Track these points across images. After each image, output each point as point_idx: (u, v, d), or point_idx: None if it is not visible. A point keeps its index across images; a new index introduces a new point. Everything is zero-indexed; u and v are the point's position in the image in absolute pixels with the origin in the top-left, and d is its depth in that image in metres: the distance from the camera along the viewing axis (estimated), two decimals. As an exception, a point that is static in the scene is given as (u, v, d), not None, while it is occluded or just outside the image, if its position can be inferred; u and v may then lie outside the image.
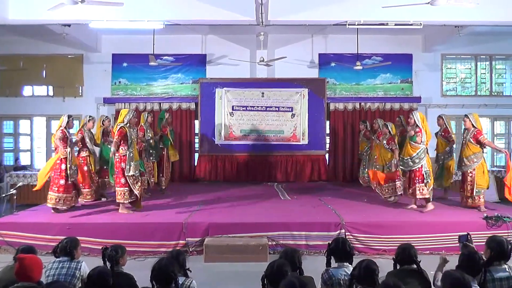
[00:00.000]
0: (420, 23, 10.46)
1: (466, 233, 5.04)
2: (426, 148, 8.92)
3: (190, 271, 4.36)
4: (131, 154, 8.44)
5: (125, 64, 14.46)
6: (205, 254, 7.11)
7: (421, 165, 8.72)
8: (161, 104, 14.32)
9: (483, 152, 8.96)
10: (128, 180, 8.35)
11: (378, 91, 14.50)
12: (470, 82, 14.95)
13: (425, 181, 8.69)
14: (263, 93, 14.08)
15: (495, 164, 14.76)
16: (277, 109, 13.98)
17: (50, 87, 14.77)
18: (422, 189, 8.70)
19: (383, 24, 10.67)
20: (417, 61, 14.57)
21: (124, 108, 14.03)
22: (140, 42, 13.68)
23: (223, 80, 14.14)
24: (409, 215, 8.35)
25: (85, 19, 10.66)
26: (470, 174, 8.75)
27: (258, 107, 14.04)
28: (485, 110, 14.49)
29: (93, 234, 7.39)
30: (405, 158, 8.90)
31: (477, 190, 8.67)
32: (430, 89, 14.53)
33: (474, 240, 5.02)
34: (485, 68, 14.95)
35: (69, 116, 9.04)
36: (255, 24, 10.95)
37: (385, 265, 4.40)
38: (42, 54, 14.48)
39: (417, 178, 8.74)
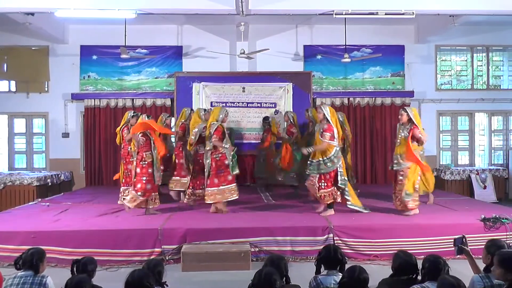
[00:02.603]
0: (413, 12, 10.49)
1: (461, 235, 5.09)
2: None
3: (167, 286, 4.33)
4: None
5: (94, 57, 14.34)
6: (182, 263, 7.06)
7: (336, 168, 8.55)
8: (134, 100, 14.24)
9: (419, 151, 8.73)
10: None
11: (368, 86, 14.57)
12: (466, 75, 15.07)
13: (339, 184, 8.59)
14: (244, 88, 14.05)
15: (492, 163, 14.91)
16: (259, 105, 13.95)
17: (12, 82, 14.55)
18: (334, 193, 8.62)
19: (372, 14, 10.70)
20: (410, 53, 14.65)
21: (94, 104, 14.04)
22: (111, 32, 13.57)
23: (200, 74, 14.07)
24: (401, 218, 8.36)
25: (50, 7, 10.53)
26: (401, 173, 8.50)
27: (238, 103, 14.00)
28: (482, 104, 14.65)
29: (60, 243, 7.30)
30: (316, 160, 8.62)
31: (407, 193, 8.42)
32: (423, 82, 14.62)
33: (471, 244, 5.08)
34: (481, 60, 15.08)
35: (134, 113, 9.53)
36: (235, 14, 10.91)
37: (376, 272, 4.42)
38: (3, 46, 14.26)
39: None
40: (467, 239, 5.08)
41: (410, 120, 8.48)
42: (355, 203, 8.80)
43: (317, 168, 8.52)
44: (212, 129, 8.83)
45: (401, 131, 8.61)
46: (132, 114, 10.04)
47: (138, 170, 8.75)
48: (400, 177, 8.50)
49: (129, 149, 9.57)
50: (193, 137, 9.54)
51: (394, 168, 8.65)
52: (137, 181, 8.71)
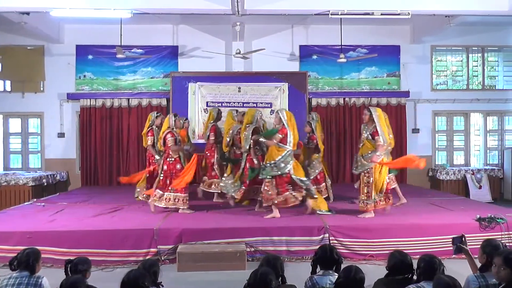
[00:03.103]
0: (408, 13, 10.52)
1: (461, 235, 5.08)
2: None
3: (163, 286, 4.33)
4: None
5: (90, 57, 14.32)
6: (178, 263, 7.05)
7: (287, 172, 8.42)
8: (130, 100, 14.23)
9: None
10: None
11: (363, 86, 14.60)
12: (462, 75, 15.10)
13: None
14: (239, 88, 14.06)
15: (487, 163, 14.94)
16: (255, 105, 13.93)
17: (8, 82, 14.52)
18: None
19: (368, 14, 10.72)
20: (405, 53, 14.67)
21: (90, 104, 14.02)
22: (107, 32, 13.58)
23: (196, 74, 14.09)
24: (397, 218, 8.35)
25: (46, 7, 10.53)
26: (366, 175, 8.31)
27: (234, 103, 13.99)
28: (477, 104, 14.69)
29: (56, 243, 7.27)
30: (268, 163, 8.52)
31: (369, 195, 8.28)
32: (419, 83, 14.65)
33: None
34: (477, 61, 15.10)
35: (175, 115, 9.38)
36: (231, 14, 10.92)
37: (372, 272, 4.42)
38: (-2, 45, 14.25)
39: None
40: (458, 239, 5.08)
41: (373, 120, 8.33)
42: (318, 207, 8.68)
43: (270, 171, 8.42)
44: (249, 131, 9.01)
45: (364, 132, 8.48)
46: (156, 115, 10.12)
47: (165, 167, 8.97)
48: (366, 179, 8.32)
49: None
50: (228, 138, 9.74)
51: (359, 171, 8.44)
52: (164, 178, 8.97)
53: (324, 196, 9.59)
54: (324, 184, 9.99)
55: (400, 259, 4.33)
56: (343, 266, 4.01)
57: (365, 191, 8.32)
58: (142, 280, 3.80)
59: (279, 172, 8.34)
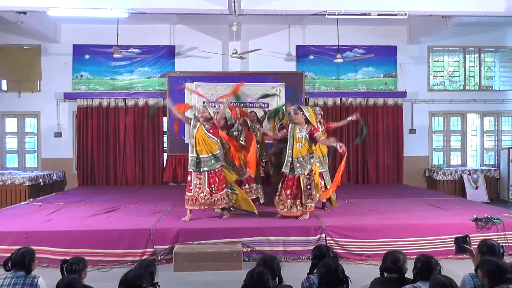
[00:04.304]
0: (405, 13, 10.55)
1: (465, 235, 5.08)
2: None
3: (159, 286, 4.33)
4: None
5: (87, 56, 14.30)
6: (174, 263, 7.04)
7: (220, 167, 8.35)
8: (126, 100, 14.22)
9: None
10: None
11: (360, 86, 14.61)
12: (459, 76, 15.13)
13: None
14: (237, 88, 14.03)
15: (484, 163, 14.97)
16: (252, 105, 13.91)
17: (4, 81, 14.50)
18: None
19: (365, 14, 10.75)
20: (402, 54, 14.70)
21: (87, 104, 14.02)
22: (104, 32, 13.54)
23: (193, 74, 14.07)
24: (393, 218, 8.36)
25: (43, 6, 10.55)
26: (307, 177, 8.10)
27: (231, 103, 13.93)
28: (474, 105, 14.72)
29: (52, 243, 7.25)
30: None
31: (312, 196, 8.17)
32: (416, 83, 14.66)
33: (463, 244, 5.07)
34: (474, 61, 15.14)
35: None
36: (228, 14, 10.93)
37: (368, 271, 4.44)
38: (-5, 45, 14.23)
39: None
40: (462, 239, 5.08)
41: (307, 120, 8.15)
42: (239, 205, 8.59)
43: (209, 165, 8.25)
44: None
45: (297, 131, 8.15)
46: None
47: None
48: (306, 181, 8.10)
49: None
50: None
51: (298, 173, 8.13)
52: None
53: (253, 197, 9.40)
54: (255, 185, 9.75)
55: (391, 257, 4.38)
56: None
57: (308, 194, 8.10)
58: (141, 280, 3.80)
59: (215, 166, 8.25)
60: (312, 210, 8.30)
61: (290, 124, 8.32)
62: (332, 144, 7.77)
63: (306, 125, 8.13)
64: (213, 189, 8.19)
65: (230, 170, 8.79)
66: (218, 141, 8.41)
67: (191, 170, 8.27)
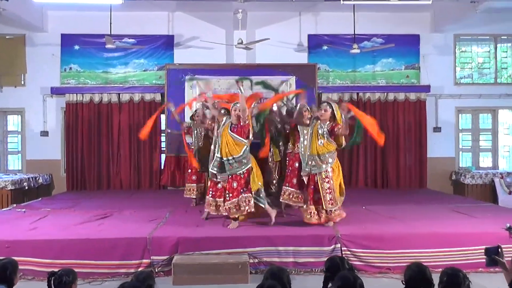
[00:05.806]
0: (429, -2, 10.53)
1: (497, 245, 5.03)
2: None
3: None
4: None
5: (76, 47, 14.33)
6: (173, 275, 7.04)
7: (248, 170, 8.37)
8: (120, 95, 14.23)
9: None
10: None
11: (379, 79, 14.58)
12: (489, 68, 15.07)
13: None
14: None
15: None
16: (259, 100, 13.91)
17: (-16, 75, 14.54)
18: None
19: (384, 0, 10.71)
20: (425, 44, 14.66)
21: (76, 99, 14.02)
22: (95, 20, 13.58)
23: (194, 67, 14.09)
24: (416, 226, 8.32)
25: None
26: (326, 179, 8.11)
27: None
28: (507, 100, 14.66)
29: (38, 254, 7.26)
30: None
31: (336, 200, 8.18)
32: (441, 76, 14.63)
33: (493, 255, 5.02)
34: (506, 51, 15.10)
35: None
36: (232, 0, 10.91)
37: (389, 286, 4.40)
38: (-26, 35, 14.26)
39: None
40: (493, 250, 5.03)
41: (333, 115, 8.22)
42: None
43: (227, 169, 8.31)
44: None
45: (319, 127, 8.23)
46: None
47: None
48: (325, 183, 8.10)
49: None
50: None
51: (313, 172, 8.20)
52: None
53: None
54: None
55: (416, 271, 4.31)
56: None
57: (328, 198, 8.07)
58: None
59: (239, 170, 8.29)
60: (342, 217, 8.26)
61: (311, 120, 8.46)
62: (349, 116, 8.00)
63: (328, 122, 8.21)
64: (228, 195, 8.28)
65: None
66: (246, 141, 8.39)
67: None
